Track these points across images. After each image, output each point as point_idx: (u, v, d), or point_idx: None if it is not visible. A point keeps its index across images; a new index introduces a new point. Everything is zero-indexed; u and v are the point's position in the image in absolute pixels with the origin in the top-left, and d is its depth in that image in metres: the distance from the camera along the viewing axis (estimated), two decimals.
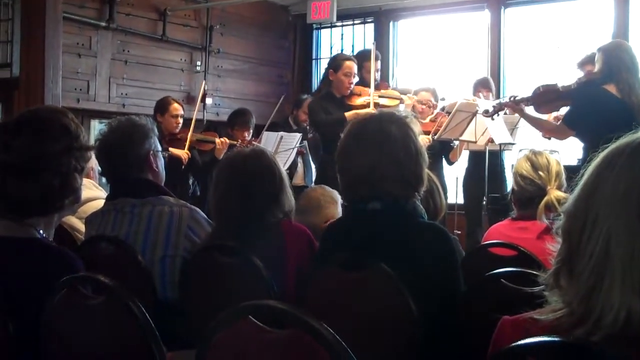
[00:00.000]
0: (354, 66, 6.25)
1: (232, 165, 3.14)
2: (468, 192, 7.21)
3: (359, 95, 6.24)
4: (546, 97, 5.40)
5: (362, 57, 6.65)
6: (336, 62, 6.29)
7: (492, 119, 5.93)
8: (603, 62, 5.14)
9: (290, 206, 3.10)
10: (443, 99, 7.01)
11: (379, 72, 6.85)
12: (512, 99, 5.62)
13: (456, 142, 6.67)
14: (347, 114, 5.73)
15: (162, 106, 6.99)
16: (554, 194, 3.22)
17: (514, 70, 8.94)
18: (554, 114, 5.94)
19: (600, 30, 8.14)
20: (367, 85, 6.32)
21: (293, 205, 3.13)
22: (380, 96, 6.31)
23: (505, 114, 6.36)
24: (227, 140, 7.15)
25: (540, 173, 3.28)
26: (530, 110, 5.61)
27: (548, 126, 5.65)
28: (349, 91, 6.21)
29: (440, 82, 8.47)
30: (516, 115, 6.12)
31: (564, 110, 5.61)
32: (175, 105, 7.01)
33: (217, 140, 7.11)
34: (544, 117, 5.81)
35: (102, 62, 8.31)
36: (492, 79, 7.89)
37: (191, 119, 7.20)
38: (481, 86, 7.40)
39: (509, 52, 8.95)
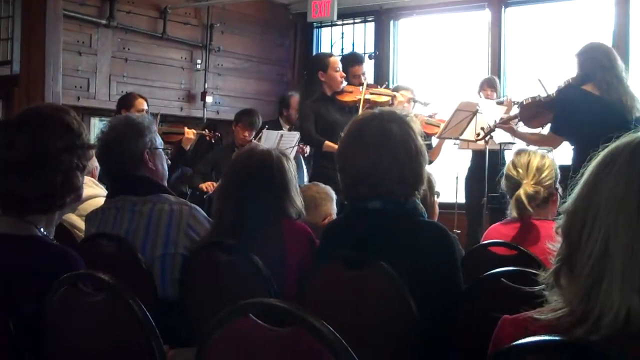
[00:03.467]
0: (338, 60, 6.31)
1: (235, 163, 3.16)
2: (470, 191, 7.21)
3: (350, 92, 6.25)
4: (531, 111, 5.45)
5: (348, 62, 6.62)
6: (322, 63, 6.27)
7: (486, 142, 6.00)
8: (579, 66, 5.20)
9: (297, 209, 3.09)
10: (427, 104, 6.98)
11: (364, 75, 6.89)
12: (500, 120, 5.71)
13: (435, 141, 6.67)
14: (327, 143, 5.78)
15: (127, 102, 6.88)
16: (523, 188, 3.25)
17: (515, 70, 8.94)
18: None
19: (600, 30, 8.14)
20: None
21: (300, 208, 3.12)
22: (371, 93, 6.31)
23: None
24: (195, 130, 7.16)
25: (519, 170, 3.31)
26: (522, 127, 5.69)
27: (536, 138, 5.67)
28: (341, 87, 6.22)
29: (440, 81, 8.50)
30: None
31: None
32: (140, 99, 6.94)
33: (186, 129, 7.11)
34: (537, 130, 5.84)
35: (103, 59, 8.31)
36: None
37: (190, 117, 7.22)
38: (487, 85, 7.41)
39: (509, 51, 8.95)
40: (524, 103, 5.47)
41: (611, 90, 5.01)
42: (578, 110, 5.06)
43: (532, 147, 3.57)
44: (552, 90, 5.43)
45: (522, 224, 3.31)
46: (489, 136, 5.92)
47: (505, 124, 5.66)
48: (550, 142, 5.42)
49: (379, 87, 6.95)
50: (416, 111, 6.75)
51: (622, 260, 1.25)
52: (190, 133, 7.06)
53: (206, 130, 7.38)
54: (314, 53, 10.46)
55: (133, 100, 6.87)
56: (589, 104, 5.03)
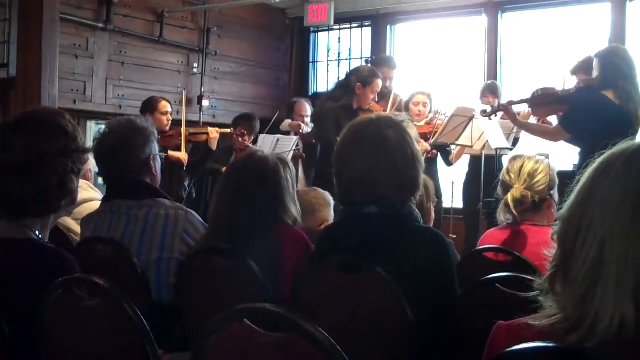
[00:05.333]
0: (380, 83, 6.35)
1: (232, 168, 3.16)
2: (468, 196, 7.20)
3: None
4: (544, 100, 5.43)
5: (379, 63, 6.71)
6: (366, 78, 6.28)
7: (490, 119, 5.99)
8: (600, 70, 5.18)
9: (291, 216, 3.08)
10: (437, 112, 7.01)
11: (392, 81, 7.05)
12: (510, 101, 5.68)
13: (453, 146, 6.70)
14: None
15: (151, 105, 6.95)
16: (511, 192, 3.26)
17: (511, 75, 8.95)
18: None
19: (597, 36, 8.15)
20: (381, 92, 6.42)
21: (295, 216, 3.11)
22: None
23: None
24: (219, 129, 7.16)
25: (511, 175, 3.32)
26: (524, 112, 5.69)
27: (539, 128, 5.68)
28: (367, 107, 6.27)
29: (437, 86, 8.49)
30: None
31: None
32: (164, 102, 7.00)
33: (209, 129, 7.12)
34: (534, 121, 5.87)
35: (99, 63, 8.30)
36: None
37: (187, 121, 7.24)
38: (488, 92, 7.39)
39: (506, 56, 8.97)
40: (539, 92, 5.47)
41: (630, 101, 5.04)
42: (594, 113, 5.05)
43: (528, 153, 3.56)
44: (568, 86, 5.45)
45: (512, 230, 3.32)
46: (494, 115, 5.92)
47: (510, 106, 5.65)
48: (553, 135, 5.42)
49: (398, 96, 7.00)
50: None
51: (617, 267, 1.25)
52: (214, 132, 7.07)
53: (231, 129, 7.34)
54: (311, 58, 10.48)
55: (156, 104, 6.93)
56: (606, 111, 5.03)
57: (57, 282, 2.00)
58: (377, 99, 6.38)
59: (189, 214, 3.17)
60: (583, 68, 5.79)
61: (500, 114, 6.02)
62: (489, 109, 5.89)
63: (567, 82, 5.58)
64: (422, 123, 6.64)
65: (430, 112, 6.85)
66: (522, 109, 6.16)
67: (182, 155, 6.98)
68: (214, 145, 7.04)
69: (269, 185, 3.02)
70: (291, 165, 3.23)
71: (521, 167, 3.31)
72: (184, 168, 7.07)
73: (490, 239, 3.41)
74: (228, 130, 7.28)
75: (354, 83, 6.27)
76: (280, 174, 3.07)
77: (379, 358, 2.32)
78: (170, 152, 6.89)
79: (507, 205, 3.26)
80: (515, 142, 6.82)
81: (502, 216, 3.33)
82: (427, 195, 3.58)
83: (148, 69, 8.76)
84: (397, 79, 7.52)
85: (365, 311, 2.37)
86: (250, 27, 9.84)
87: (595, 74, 5.25)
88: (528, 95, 5.58)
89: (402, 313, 2.26)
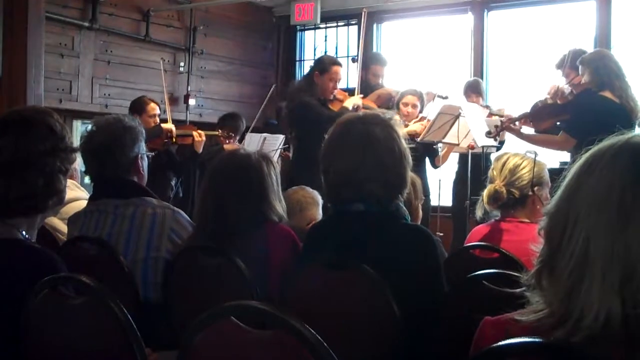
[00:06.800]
0: (340, 71, 6.18)
1: (215, 166, 3.15)
2: (457, 194, 7.21)
3: (341, 101, 6.16)
4: (545, 112, 5.46)
5: (371, 59, 6.64)
6: (323, 65, 6.15)
7: (495, 140, 6.00)
8: (592, 73, 5.23)
9: (277, 213, 3.07)
10: (446, 97, 6.98)
11: (383, 78, 7.04)
12: (510, 119, 5.69)
13: (440, 145, 6.69)
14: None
15: (139, 106, 6.90)
16: (488, 188, 3.27)
17: (497, 73, 8.98)
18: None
19: (582, 34, 8.19)
20: (372, 89, 6.34)
21: (281, 213, 3.10)
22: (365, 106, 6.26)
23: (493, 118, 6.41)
24: (203, 133, 7.10)
25: (494, 172, 3.33)
26: (527, 129, 5.69)
27: (546, 139, 5.67)
28: (332, 96, 6.11)
29: (423, 84, 8.51)
30: (498, 118, 6.18)
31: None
32: (152, 104, 6.94)
33: (194, 132, 7.06)
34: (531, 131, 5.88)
35: (85, 62, 8.27)
36: None
37: (173, 120, 7.23)
38: (471, 91, 7.39)
39: (492, 55, 8.99)
40: (539, 105, 5.49)
41: (629, 99, 5.12)
42: (596, 114, 5.08)
43: (514, 150, 3.58)
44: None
45: (494, 226, 3.34)
46: (498, 136, 5.94)
47: (513, 123, 5.66)
48: (560, 143, 5.44)
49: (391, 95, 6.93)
50: (436, 105, 6.75)
51: (602, 261, 1.25)
52: (199, 136, 6.97)
53: (219, 130, 7.27)
54: (298, 56, 10.47)
55: (145, 105, 6.87)
56: (608, 110, 5.08)
57: (42, 281, 1.99)
58: (336, 87, 6.16)
59: (176, 213, 3.16)
60: (568, 62, 5.83)
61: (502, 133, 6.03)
62: (492, 130, 5.85)
63: (554, 78, 5.62)
64: (411, 124, 6.61)
65: (420, 113, 6.79)
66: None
67: (173, 127, 6.91)
68: (199, 149, 6.96)
69: (253, 183, 3.02)
70: (274, 162, 3.22)
71: (504, 163, 3.32)
72: (173, 140, 6.96)
73: (476, 236, 3.43)
74: (216, 133, 7.22)
75: (313, 72, 6.14)
76: (264, 171, 3.06)
77: (366, 354, 2.32)
78: (163, 125, 6.86)
79: (482, 200, 3.29)
80: (501, 144, 6.82)
81: (479, 212, 3.34)
82: (415, 193, 3.59)
83: (134, 67, 8.73)
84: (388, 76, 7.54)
85: (353, 308, 2.38)
86: (236, 26, 9.82)
87: (586, 78, 5.29)
88: (522, 105, 5.65)
89: (389, 310, 2.27)
